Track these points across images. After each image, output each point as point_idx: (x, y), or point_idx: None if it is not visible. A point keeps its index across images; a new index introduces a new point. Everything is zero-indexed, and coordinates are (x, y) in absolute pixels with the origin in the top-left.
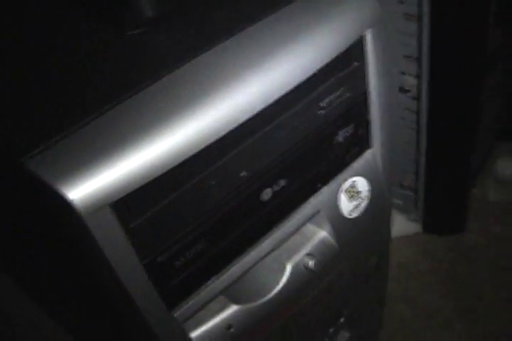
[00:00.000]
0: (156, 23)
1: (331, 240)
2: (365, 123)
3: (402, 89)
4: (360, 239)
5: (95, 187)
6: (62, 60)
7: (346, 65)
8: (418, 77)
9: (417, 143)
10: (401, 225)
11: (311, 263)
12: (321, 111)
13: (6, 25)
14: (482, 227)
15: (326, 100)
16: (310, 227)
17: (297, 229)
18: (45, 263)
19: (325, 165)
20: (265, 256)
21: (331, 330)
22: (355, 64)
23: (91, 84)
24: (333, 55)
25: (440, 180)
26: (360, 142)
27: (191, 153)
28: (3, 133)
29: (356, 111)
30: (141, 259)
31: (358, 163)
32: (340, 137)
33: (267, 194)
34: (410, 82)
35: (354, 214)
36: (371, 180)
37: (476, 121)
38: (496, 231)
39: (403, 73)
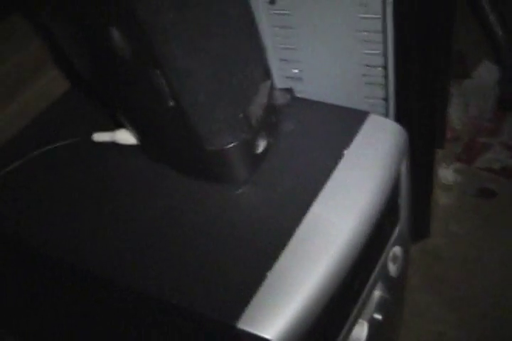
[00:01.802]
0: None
1: (386, 295)
2: (397, 210)
3: None
4: (399, 286)
5: (290, 331)
6: (195, 230)
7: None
8: None
9: None
10: None
11: (379, 316)
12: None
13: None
14: (442, 229)
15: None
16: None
17: (369, 296)
18: None
19: (379, 248)
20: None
21: None
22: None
23: (240, 250)
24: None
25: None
26: (395, 221)
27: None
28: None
29: (394, 205)
30: None
31: (394, 235)
32: (386, 226)
33: (355, 284)
34: None
35: (397, 273)
36: (402, 245)
37: (433, 142)
38: (454, 231)
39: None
